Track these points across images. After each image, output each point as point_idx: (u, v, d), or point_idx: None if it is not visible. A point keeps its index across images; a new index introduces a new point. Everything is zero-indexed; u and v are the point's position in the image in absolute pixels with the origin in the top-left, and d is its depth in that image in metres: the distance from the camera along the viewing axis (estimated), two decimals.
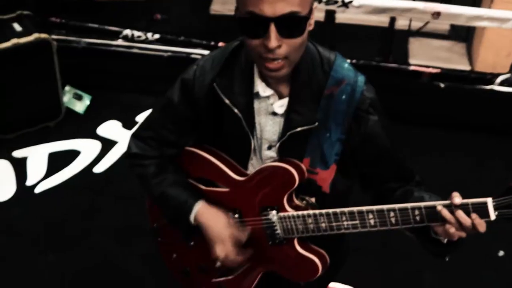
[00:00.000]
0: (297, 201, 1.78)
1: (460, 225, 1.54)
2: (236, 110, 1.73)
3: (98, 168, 3.81)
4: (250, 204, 1.80)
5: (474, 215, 1.53)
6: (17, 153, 3.90)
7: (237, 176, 1.81)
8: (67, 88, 4.24)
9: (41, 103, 4.05)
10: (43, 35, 3.81)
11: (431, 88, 3.88)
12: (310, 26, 1.60)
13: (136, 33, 4.09)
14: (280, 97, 1.72)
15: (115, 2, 5.23)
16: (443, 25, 4.98)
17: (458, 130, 4.00)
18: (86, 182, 3.71)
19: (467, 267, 3.19)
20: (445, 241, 1.63)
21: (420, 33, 5.14)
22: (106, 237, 3.36)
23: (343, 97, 1.68)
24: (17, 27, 3.87)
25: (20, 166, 3.81)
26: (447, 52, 4.79)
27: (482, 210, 1.53)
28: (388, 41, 4.46)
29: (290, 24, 1.53)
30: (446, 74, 3.79)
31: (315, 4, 1.63)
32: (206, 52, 4.07)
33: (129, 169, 1.93)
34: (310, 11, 1.58)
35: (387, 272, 3.21)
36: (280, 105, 1.73)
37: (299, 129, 1.70)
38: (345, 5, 3.58)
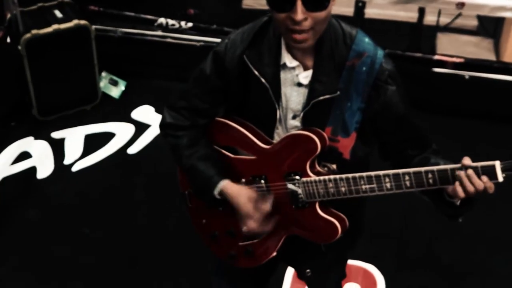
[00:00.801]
0: (319, 168, 1.91)
1: (470, 186, 1.67)
2: (263, 80, 1.86)
3: (132, 150, 3.98)
4: (275, 170, 1.93)
5: (483, 177, 1.66)
6: (56, 134, 4.09)
7: (263, 144, 1.94)
8: (103, 74, 4.42)
9: (79, 87, 4.23)
10: (83, 22, 3.99)
11: (454, 79, 3.96)
12: (333, 1, 1.72)
13: (170, 22, 4.26)
14: (305, 68, 1.86)
15: None
16: (471, 21, 5.03)
17: (479, 120, 4.06)
18: (120, 162, 3.89)
19: (485, 254, 3.29)
20: (458, 203, 1.76)
21: (448, 28, 5.20)
22: (140, 212, 3.54)
23: (364, 68, 1.81)
24: (58, 14, 4.05)
25: (58, 147, 3.99)
26: (475, 48, 4.83)
27: (490, 172, 1.66)
28: (416, 36, 4.55)
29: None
30: (469, 64, 3.87)
31: None
32: None
33: (163, 138, 2.06)
34: None
35: (405, 255, 3.32)
36: (305, 76, 1.86)
37: (321, 97, 1.83)
38: None
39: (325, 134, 1.87)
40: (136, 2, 4.69)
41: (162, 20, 4.27)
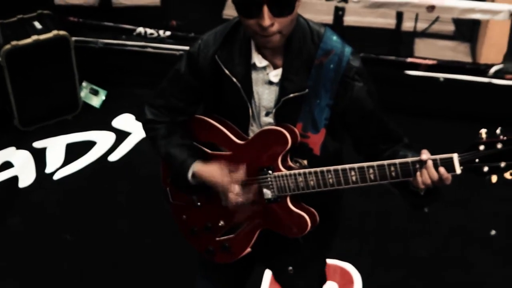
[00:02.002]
0: (291, 163, 1.98)
1: (427, 178, 1.75)
2: (235, 80, 1.94)
3: (113, 157, 4.03)
4: (250, 165, 2.00)
5: (441, 169, 1.74)
6: (37, 144, 4.13)
7: (239, 140, 2.02)
8: (84, 83, 4.47)
9: (60, 97, 4.27)
10: (62, 32, 4.05)
11: (428, 80, 4.05)
12: (299, 2, 1.80)
13: (149, 31, 4.33)
14: (275, 67, 1.93)
15: (132, 9, 5.46)
16: (448, 26, 5.14)
17: (454, 121, 4.13)
18: (101, 170, 3.94)
19: (460, 248, 3.37)
20: (422, 193, 1.82)
21: (426, 34, 5.29)
22: (121, 219, 3.58)
23: (331, 66, 1.88)
24: (37, 25, 4.11)
25: (40, 156, 4.03)
26: (452, 52, 4.92)
27: (448, 165, 1.73)
28: (395, 42, 4.65)
29: (281, 4, 1.75)
30: (442, 66, 3.97)
31: None
32: None
33: (144, 133, 2.15)
34: None
35: (382, 252, 3.38)
36: (275, 75, 1.93)
37: (291, 95, 1.90)
38: (345, 0, 3.78)
39: (296, 130, 1.94)
40: (117, 17, 4.76)
41: (140, 29, 4.34)
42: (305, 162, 1.98)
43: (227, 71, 1.94)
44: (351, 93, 1.90)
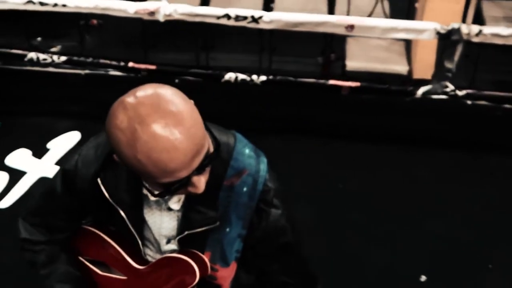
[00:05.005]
0: None
1: None
2: (120, 210, 1.54)
3: (4, 203, 3.57)
4: None
5: None
6: None
7: (137, 263, 1.65)
8: None
9: None
10: None
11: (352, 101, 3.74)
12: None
13: (42, 56, 3.84)
14: None
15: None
16: None
17: (383, 143, 3.88)
18: None
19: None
20: None
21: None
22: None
23: (244, 189, 1.51)
24: None
25: None
26: (386, 52, 4.58)
27: None
28: (328, 41, 4.29)
29: (207, 163, 1.36)
30: (366, 88, 3.64)
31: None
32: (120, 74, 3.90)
33: (20, 251, 1.79)
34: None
35: None
36: (176, 201, 1.54)
37: (199, 229, 1.53)
38: (255, 20, 3.40)
39: (206, 260, 1.57)
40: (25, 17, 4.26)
41: (32, 55, 3.85)
42: None
43: (110, 199, 1.54)
44: (266, 222, 1.54)
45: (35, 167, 3.78)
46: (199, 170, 1.32)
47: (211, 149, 1.37)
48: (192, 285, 1.57)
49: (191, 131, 1.26)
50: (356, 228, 3.36)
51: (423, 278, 3.13)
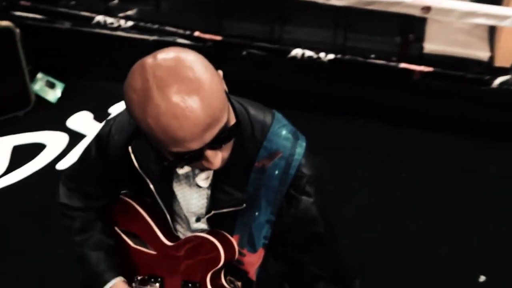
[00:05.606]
0: (223, 281, 1.55)
1: None
2: (148, 181, 1.48)
3: (61, 165, 3.59)
4: (173, 275, 1.60)
5: None
6: None
7: (166, 239, 1.60)
8: (39, 75, 4.02)
9: (8, 92, 3.84)
10: (4, 23, 3.58)
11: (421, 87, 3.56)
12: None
13: (109, 20, 3.82)
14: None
15: None
16: None
17: (451, 134, 3.70)
18: (46, 180, 3.49)
19: None
20: None
21: None
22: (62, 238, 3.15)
23: (276, 172, 1.41)
24: None
25: None
26: (467, 36, 4.33)
27: None
28: (406, 21, 4.09)
29: (222, 138, 1.27)
30: (439, 74, 3.44)
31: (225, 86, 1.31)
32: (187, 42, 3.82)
33: (59, 215, 1.76)
34: (228, 105, 1.28)
35: None
36: (204, 178, 1.46)
37: (225, 210, 1.45)
38: None
39: (235, 244, 1.49)
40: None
41: (99, 18, 3.83)
42: (239, 284, 1.55)
43: (139, 169, 1.48)
44: (296, 209, 1.43)
45: (95, 131, 3.79)
46: (213, 145, 1.24)
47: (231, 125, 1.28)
48: (217, 267, 1.51)
49: (206, 101, 1.18)
50: (411, 220, 3.23)
51: (482, 278, 2.96)
